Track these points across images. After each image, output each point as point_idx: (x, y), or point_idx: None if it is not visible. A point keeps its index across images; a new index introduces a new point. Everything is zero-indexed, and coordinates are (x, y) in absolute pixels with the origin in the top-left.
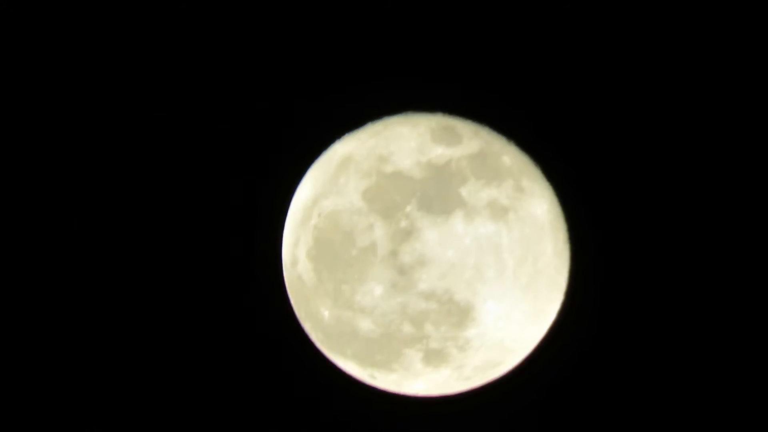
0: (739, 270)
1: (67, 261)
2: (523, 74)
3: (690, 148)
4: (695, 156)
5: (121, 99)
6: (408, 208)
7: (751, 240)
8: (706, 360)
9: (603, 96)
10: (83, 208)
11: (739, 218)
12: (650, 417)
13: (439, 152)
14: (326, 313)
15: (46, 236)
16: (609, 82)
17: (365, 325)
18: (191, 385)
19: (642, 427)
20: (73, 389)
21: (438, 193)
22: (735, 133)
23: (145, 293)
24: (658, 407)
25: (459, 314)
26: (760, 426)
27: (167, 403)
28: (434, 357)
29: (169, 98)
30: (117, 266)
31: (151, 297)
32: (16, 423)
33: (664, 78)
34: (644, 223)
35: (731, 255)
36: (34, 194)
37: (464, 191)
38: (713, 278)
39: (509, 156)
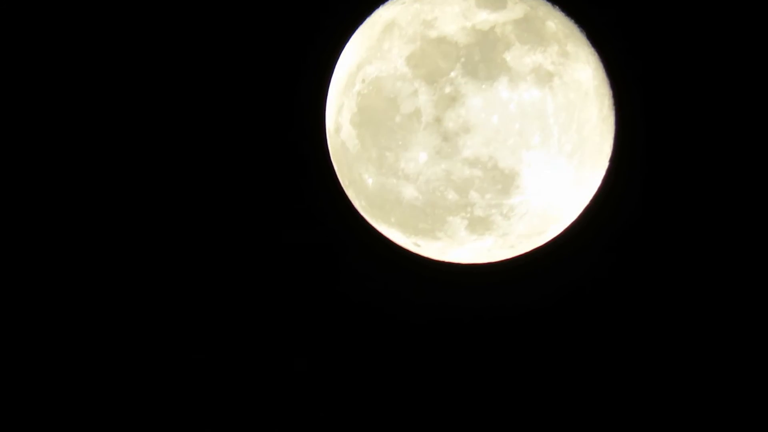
0: None
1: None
2: None
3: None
4: (745, 16)
5: None
6: (452, 74)
7: None
8: (752, 229)
9: None
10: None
11: None
12: (692, 281)
13: (484, 17)
14: (370, 181)
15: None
16: None
17: (409, 192)
18: (234, 255)
19: (683, 292)
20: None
21: (482, 58)
22: None
23: (186, 162)
24: (700, 272)
25: (504, 181)
26: None
27: (209, 270)
28: (479, 225)
29: None
30: (154, 146)
31: (193, 165)
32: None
33: None
34: (691, 88)
35: None
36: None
37: (509, 56)
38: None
39: (554, 21)
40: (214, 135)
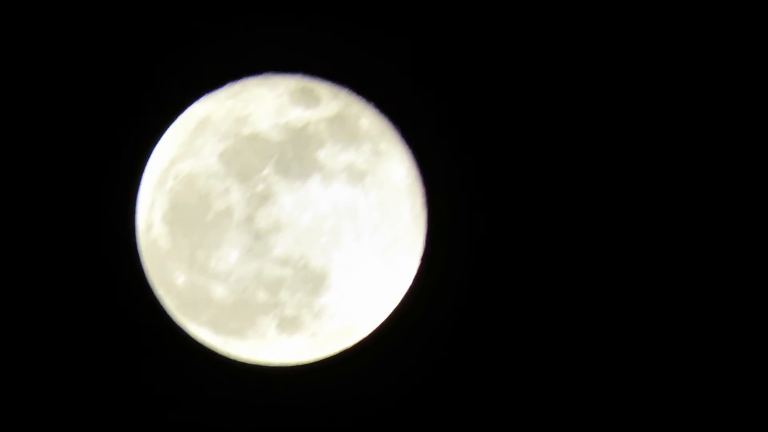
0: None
1: None
2: (384, 35)
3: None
4: (559, 115)
5: None
6: (265, 172)
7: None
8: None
9: (461, 58)
10: None
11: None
12: (516, 381)
13: (297, 114)
14: (181, 279)
15: None
16: (468, 43)
17: (220, 291)
18: (44, 356)
19: (505, 393)
20: None
21: (295, 156)
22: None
23: None
24: (523, 367)
25: (314, 280)
26: None
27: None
28: (289, 324)
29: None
30: None
31: None
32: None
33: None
34: (504, 187)
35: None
36: None
37: (322, 154)
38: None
39: (367, 118)
40: (19, 230)
